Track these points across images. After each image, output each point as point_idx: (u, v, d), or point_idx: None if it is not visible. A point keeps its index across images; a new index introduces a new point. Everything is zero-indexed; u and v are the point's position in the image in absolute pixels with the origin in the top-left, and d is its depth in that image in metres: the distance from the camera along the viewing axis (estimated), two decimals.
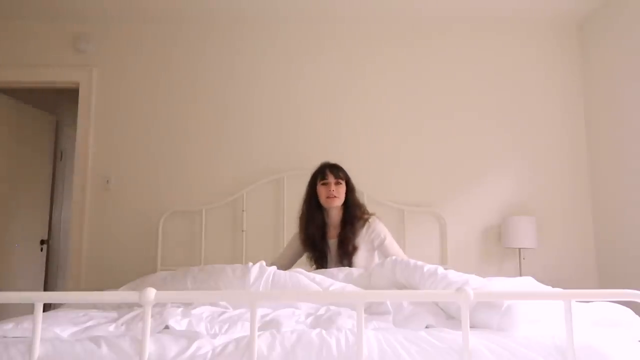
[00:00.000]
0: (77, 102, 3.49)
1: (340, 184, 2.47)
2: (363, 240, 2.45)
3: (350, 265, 2.40)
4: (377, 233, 2.47)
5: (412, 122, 3.46)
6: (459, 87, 3.49)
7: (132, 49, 3.55)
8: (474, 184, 3.40)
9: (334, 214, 2.50)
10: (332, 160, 2.60)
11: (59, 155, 4.68)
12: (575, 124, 3.47)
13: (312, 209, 2.51)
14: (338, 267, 2.37)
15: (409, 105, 3.49)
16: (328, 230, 2.51)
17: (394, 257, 2.00)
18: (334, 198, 2.44)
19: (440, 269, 1.72)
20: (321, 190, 2.48)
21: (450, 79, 3.50)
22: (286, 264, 2.57)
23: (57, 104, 4.46)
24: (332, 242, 2.48)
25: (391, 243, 2.49)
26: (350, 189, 2.51)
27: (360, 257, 2.43)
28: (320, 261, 2.48)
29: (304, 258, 2.58)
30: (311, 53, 3.54)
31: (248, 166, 3.41)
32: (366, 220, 2.48)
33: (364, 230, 2.46)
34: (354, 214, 2.47)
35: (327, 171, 2.48)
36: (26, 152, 4.11)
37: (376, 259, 2.50)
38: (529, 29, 3.54)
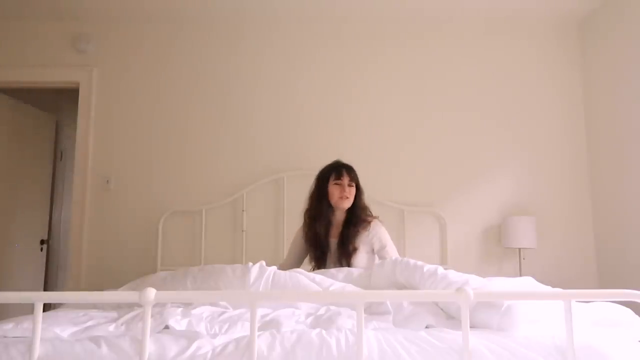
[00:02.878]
0: (77, 102, 3.49)
1: (352, 185, 2.47)
2: (363, 242, 2.45)
3: (349, 265, 2.39)
4: (379, 237, 2.46)
5: (412, 122, 3.46)
6: (459, 87, 3.49)
7: (132, 49, 3.55)
8: (474, 184, 3.40)
9: (340, 214, 2.50)
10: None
11: (59, 155, 4.68)
12: (575, 124, 3.47)
13: (322, 206, 2.48)
14: (337, 267, 2.37)
15: (409, 105, 3.49)
16: (331, 229, 2.51)
17: (394, 257, 2.00)
18: (346, 199, 2.44)
19: (440, 269, 1.72)
20: (333, 190, 2.46)
21: (450, 79, 3.50)
22: (294, 262, 2.55)
23: (57, 104, 4.46)
24: (333, 241, 2.48)
25: (392, 249, 2.48)
26: (358, 191, 2.51)
27: (359, 258, 2.42)
28: (319, 260, 2.48)
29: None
30: (311, 53, 3.54)
31: (248, 166, 3.41)
32: (368, 222, 2.48)
33: (365, 232, 2.46)
34: (359, 216, 2.47)
35: (343, 171, 2.47)
36: (26, 152, 4.11)
37: (376, 261, 2.49)
38: (529, 28, 3.54)
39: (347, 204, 2.45)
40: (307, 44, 3.56)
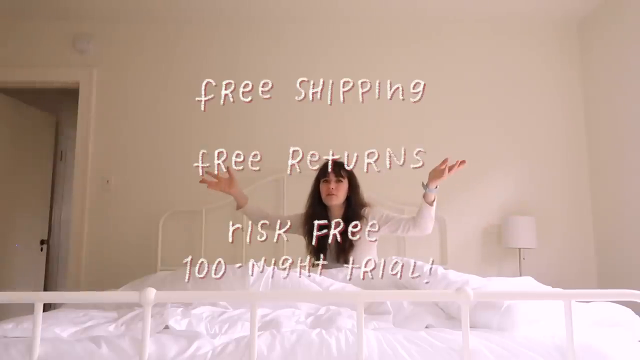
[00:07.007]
0: (77, 102, 3.49)
1: (341, 182, 2.49)
2: (362, 234, 2.46)
3: (345, 261, 2.41)
4: (373, 217, 2.48)
5: (413, 122, 3.45)
6: (459, 87, 3.49)
7: (132, 49, 3.55)
8: (474, 184, 3.39)
9: (336, 210, 2.52)
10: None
11: (59, 156, 4.67)
12: (575, 124, 3.47)
13: (315, 204, 2.54)
14: (335, 261, 2.42)
15: (409, 105, 3.46)
16: (331, 224, 2.52)
17: (393, 257, 2.00)
18: (333, 196, 2.47)
19: (441, 269, 1.72)
20: (322, 187, 2.51)
21: (450, 79, 3.50)
22: (277, 217, 2.62)
23: (57, 104, 4.46)
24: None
25: (393, 213, 2.53)
26: (353, 187, 2.52)
27: (357, 253, 2.43)
28: (318, 254, 2.49)
29: (304, 249, 2.58)
30: (312, 53, 3.54)
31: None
32: (363, 216, 2.49)
33: (362, 224, 2.47)
34: (355, 212, 2.48)
35: (329, 169, 2.49)
36: (26, 152, 4.10)
37: (375, 257, 2.50)
38: (529, 28, 3.54)
39: (334, 200, 2.48)
40: (309, 44, 3.55)
